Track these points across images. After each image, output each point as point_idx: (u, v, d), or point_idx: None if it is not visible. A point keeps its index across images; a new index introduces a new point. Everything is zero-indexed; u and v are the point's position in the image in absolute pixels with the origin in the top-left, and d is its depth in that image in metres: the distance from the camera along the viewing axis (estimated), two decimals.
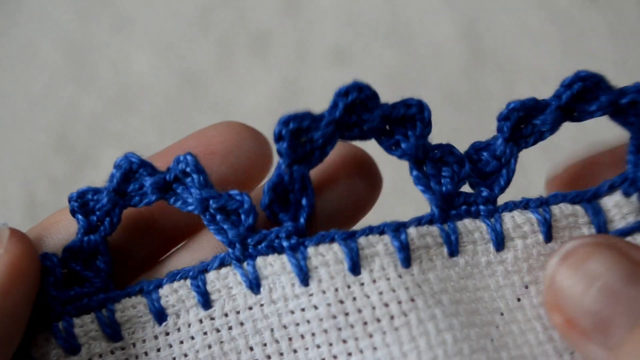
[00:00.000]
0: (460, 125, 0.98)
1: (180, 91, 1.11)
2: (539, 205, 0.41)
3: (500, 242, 0.40)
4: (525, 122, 0.41)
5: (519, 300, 0.40)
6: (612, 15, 1.09)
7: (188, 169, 0.40)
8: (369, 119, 0.40)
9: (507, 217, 0.40)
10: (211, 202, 0.40)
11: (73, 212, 0.41)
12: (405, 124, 0.40)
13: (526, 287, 0.40)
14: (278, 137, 0.39)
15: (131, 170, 0.40)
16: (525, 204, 0.41)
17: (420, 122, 0.40)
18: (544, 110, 0.40)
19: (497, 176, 0.41)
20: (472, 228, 0.40)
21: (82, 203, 0.41)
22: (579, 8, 1.10)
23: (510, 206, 0.41)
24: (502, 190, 0.41)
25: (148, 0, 1.18)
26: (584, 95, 0.40)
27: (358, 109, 0.40)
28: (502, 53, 1.08)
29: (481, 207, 0.40)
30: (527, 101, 0.40)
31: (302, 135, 0.39)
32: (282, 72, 1.11)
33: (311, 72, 1.10)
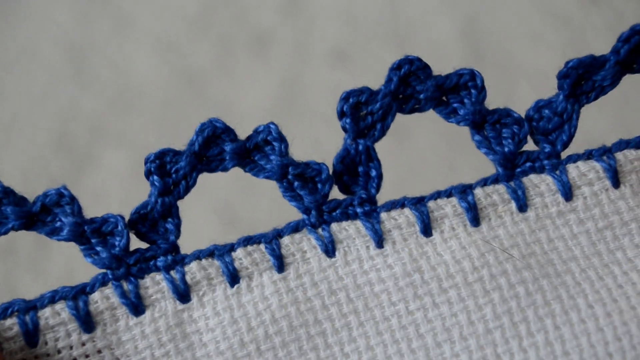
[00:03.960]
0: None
1: (180, 91, 1.11)
2: (602, 153, 0.42)
3: (567, 191, 0.41)
4: (586, 79, 0.42)
5: (595, 246, 0.41)
6: (612, 15, 1.09)
7: (269, 137, 0.42)
8: (423, 89, 0.42)
9: (571, 167, 0.42)
10: (290, 169, 0.42)
11: (149, 173, 0.42)
12: (460, 92, 0.43)
13: (601, 232, 0.41)
14: (341, 113, 0.42)
15: (214, 134, 0.42)
16: (588, 155, 0.42)
17: (474, 88, 0.43)
18: (603, 66, 0.42)
19: (560, 132, 0.42)
20: (538, 181, 0.42)
21: (159, 164, 0.42)
22: (579, 8, 1.10)
23: (574, 158, 0.42)
24: (565, 145, 0.42)
25: (148, 0, 1.18)
26: None
27: (412, 80, 0.42)
28: (502, 53, 1.08)
29: (545, 161, 0.42)
30: (585, 58, 0.42)
31: (361, 108, 0.42)
32: (282, 72, 1.11)
33: (311, 72, 1.09)
